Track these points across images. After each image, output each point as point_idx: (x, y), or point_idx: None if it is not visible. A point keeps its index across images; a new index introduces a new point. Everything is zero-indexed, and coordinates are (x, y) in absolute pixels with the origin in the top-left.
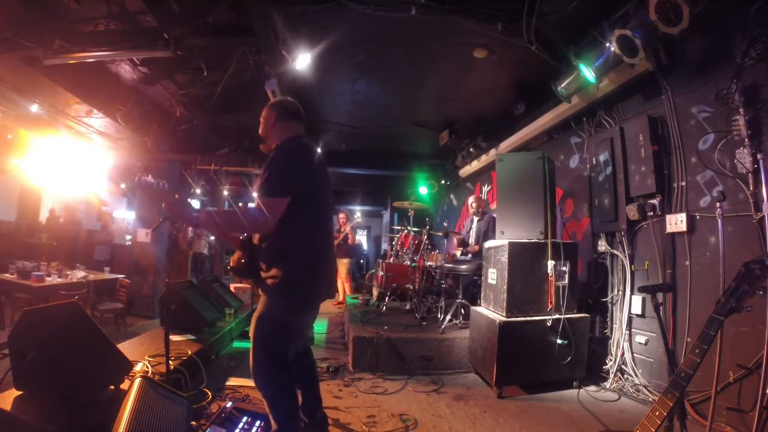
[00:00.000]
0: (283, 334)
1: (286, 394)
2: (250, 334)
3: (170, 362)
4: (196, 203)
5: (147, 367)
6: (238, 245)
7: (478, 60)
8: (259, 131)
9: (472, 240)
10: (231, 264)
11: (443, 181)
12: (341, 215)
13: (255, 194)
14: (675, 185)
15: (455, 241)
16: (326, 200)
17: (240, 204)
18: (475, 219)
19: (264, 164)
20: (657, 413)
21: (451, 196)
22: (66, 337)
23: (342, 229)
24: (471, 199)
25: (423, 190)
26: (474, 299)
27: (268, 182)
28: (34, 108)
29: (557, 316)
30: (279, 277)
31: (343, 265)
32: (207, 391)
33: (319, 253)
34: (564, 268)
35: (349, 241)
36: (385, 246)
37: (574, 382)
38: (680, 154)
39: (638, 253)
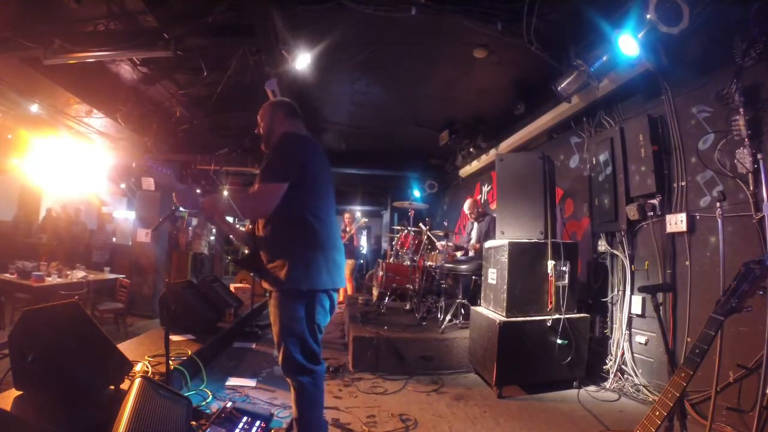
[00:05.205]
0: (302, 325)
1: (316, 387)
2: (274, 333)
3: (170, 362)
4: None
5: (147, 367)
6: (241, 238)
7: (478, 60)
8: (261, 130)
9: (472, 241)
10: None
11: (443, 181)
12: (347, 215)
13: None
14: (675, 185)
15: (452, 243)
16: (328, 193)
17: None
18: (475, 224)
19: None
20: (657, 413)
21: (451, 195)
22: (66, 337)
23: (348, 229)
24: (465, 207)
25: (416, 193)
26: (474, 299)
27: (266, 169)
28: (34, 108)
29: (557, 316)
30: (282, 267)
31: (347, 265)
32: (207, 391)
33: (321, 242)
34: (564, 268)
35: (354, 243)
36: (385, 246)
37: (574, 382)
38: (680, 154)
39: (638, 253)
